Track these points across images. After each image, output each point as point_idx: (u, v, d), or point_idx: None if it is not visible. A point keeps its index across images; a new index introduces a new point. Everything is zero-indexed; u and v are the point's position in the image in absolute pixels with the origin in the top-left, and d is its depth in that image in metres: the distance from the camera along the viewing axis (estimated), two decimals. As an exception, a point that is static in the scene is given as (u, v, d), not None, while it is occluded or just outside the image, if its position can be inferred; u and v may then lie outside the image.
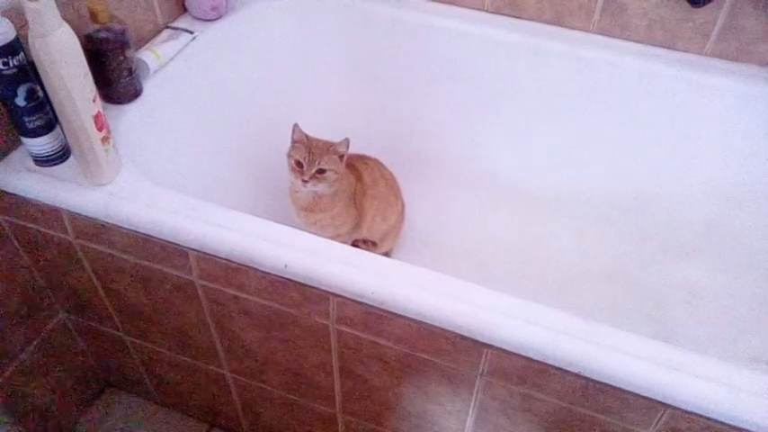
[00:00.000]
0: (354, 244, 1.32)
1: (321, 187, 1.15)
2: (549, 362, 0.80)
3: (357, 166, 1.29)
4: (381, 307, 0.86)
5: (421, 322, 0.85)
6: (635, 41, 1.32)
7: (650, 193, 1.41)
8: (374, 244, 1.35)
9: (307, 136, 1.17)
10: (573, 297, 1.32)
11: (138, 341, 1.21)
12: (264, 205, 1.30)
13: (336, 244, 0.91)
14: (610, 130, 1.39)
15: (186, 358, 1.18)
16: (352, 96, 1.52)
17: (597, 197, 1.46)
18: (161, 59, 1.17)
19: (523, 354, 0.81)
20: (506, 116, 1.46)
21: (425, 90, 1.48)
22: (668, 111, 1.32)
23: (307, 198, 1.20)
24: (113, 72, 1.06)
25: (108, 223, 0.96)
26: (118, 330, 1.20)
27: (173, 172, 1.12)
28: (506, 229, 1.47)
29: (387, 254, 1.39)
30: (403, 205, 1.41)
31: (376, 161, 1.36)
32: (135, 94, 1.12)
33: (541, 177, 1.49)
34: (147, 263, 0.99)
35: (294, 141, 1.17)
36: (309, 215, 1.22)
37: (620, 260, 1.40)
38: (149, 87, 1.14)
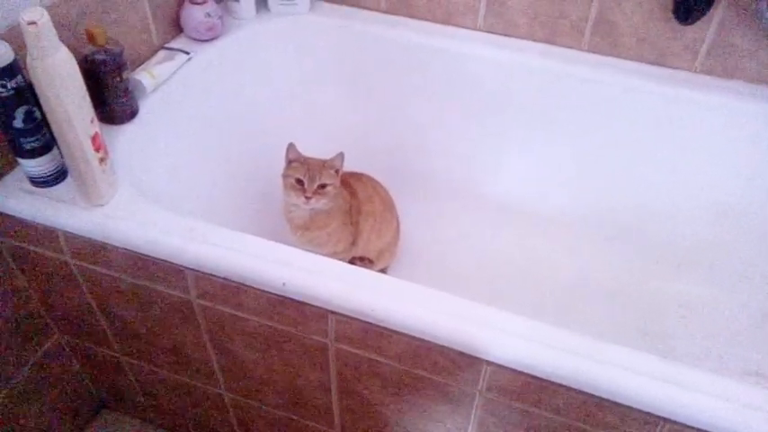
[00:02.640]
0: (351, 262, 1.32)
1: (323, 202, 1.16)
2: (549, 378, 0.80)
3: (351, 183, 1.30)
4: (380, 324, 0.87)
5: (420, 339, 0.85)
6: (625, 59, 1.34)
7: (646, 210, 1.42)
8: (371, 261, 1.35)
9: (302, 155, 1.18)
10: (571, 314, 1.32)
11: (134, 361, 1.20)
12: (260, 224, 1.30)
13: (334, 262, 0.92)
14: (604, 147, 1.41)
15: (183, 378, 1.17)
16: (347, 114, 1.53)
17: (594, 214, 1.47)
18: (157, 80, 1.18)
19: (523, 370, 0.81)
20: (503, 133, 1.47)
21: (422, 108, 1.49)
22: (660, 128, 1.33)
23: (303, 216, 1.20)
24: (110, 93, 1.07)
25: (105, 243, 0.95)
26: (114, 351, 1.19)
27: (169, 192, 1.12)
28: (504, 245, 1.47)
29: (383, 271, 1.39)
30: (398, 222, 1.41)
31: (370, 178, 1.36)
32: (132, 114, 1.12)
33: (538, 194, 1.51)
34: (144, 283, 0.99)
35: (290, 161, 1.18)
36: (305, 233, 1.22)
37: (618, 276, 1.41)
38: (146, 107, 1.15)
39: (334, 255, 1.25)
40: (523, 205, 1.51)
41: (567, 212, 1.48)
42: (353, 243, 1.30)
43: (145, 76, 1.16)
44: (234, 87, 1.36)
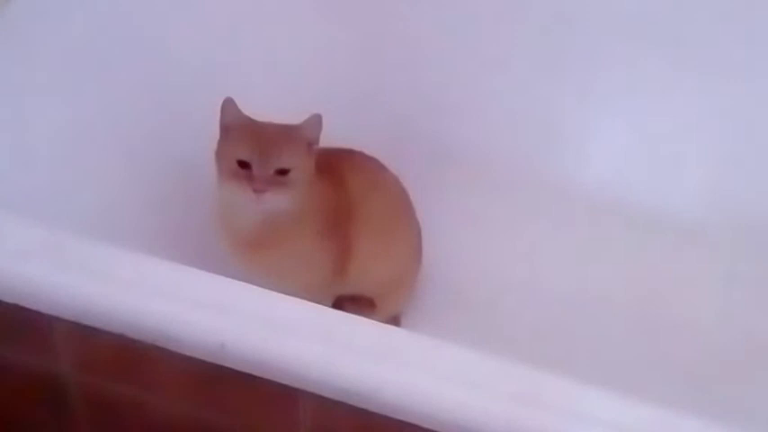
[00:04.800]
0: (337, 305, 1.33)
1: (284, 200, 1.17)
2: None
3: (337, 168, 1.31)
4: (392, 415, 0.87)
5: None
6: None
7: None
8: (370, 304, 1.36)
9: (249, 118, 1.19)
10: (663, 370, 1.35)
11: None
12: (176, 238, 1.32)
13: (311, 305, 0.93)
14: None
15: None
16: (329, 51, 1.54)
17: (736, 223, 1.49)
18: None
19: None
20: (585, 82, 1.50)
21: (454, 36, 1.50)
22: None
23: (254, 224, 1.21)
24: None
25: None
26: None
27: (22, 184, 1.12)
28: (582, 267, 1.50)
29: (394, 320, 1.40)
30: (418, 233, 1.41)
31: (369, 159, 1.37)
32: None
33: (643, 186, 1.54)
34: None
35: (228, 129, 1.19)
36: (257, 255, 1.24)
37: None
38: None
39: (306, 292, 1.18)
40: (616, 203, 1.53)
41: (696, 220, 1.51)
42: (340, 272, 1.31)
43: None
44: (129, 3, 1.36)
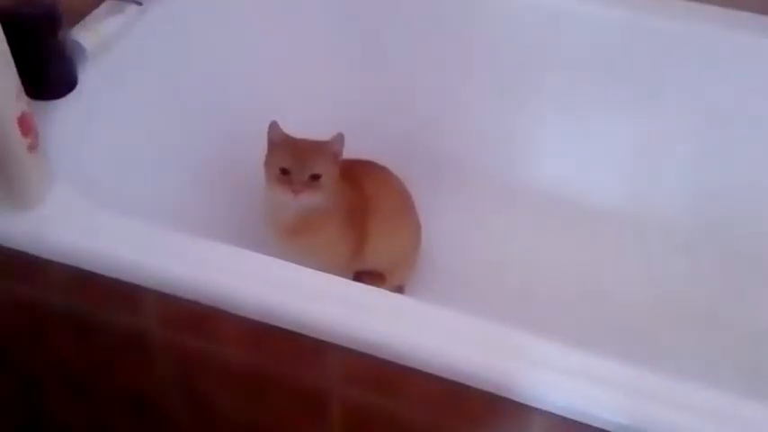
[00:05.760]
0: (356, 278, 1.33)
1: (316, 198, 1.18)
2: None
3: (356, 173, 1.31)
4: (398, 362, 0.87)
5: (450, 381, 0.86)
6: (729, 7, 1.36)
7: (745, 208, 1.43)
8: (382, 278, 1.36)
9: (288, 136, 1.20)
10: (645, 342, 1.32)
11: (76, 413, 1.20)
12: (236, 229, 1.31)
13: (336, 278, 0.93)
14: (693, 123, 1.42)
15: (139, 430, 1.18)
16: (347, 83, 1.54)
17: (674, 213, 1.48)
18: (102, 39, 1.18)
19: (589, 423, 0.81)
20: (557, 105, 1.49)
21: (447, 71, 1.50)
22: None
23: (290, 217, 1.22)
24: (41, 59, 1.07)
25: (35, 257, 0.96)
26: (49, 399, 1.20)
27: (119, 188, 1.13)
28: (555, 254, 1.49)
29: (399, 290, 1.40)
30: (418, 226, 1.42)
31: (380, 167, 1.38)
32: (69, 86, 1.12)
33: (601, 187, 1.52)
34: (87, 308, 0.99)
35: (273, 144, 1.20)
36: (295, 239, 1.24)
37: (705, 294, 1.42)
38: (88, 77, 1.15)
39: (331, 269, 1.20)
40: (583, 201, 1.52)
41: (641, 211, 1.50)
42: (358, 253, 1.31)
43: (86, 36, 1.16)
44: (201, 50, 1.37)
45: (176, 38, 1.32)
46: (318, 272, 0.93)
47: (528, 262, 1.48)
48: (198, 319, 0.94)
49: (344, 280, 0.93)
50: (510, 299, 1.40)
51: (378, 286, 1.26)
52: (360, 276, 1.34)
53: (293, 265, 0.94)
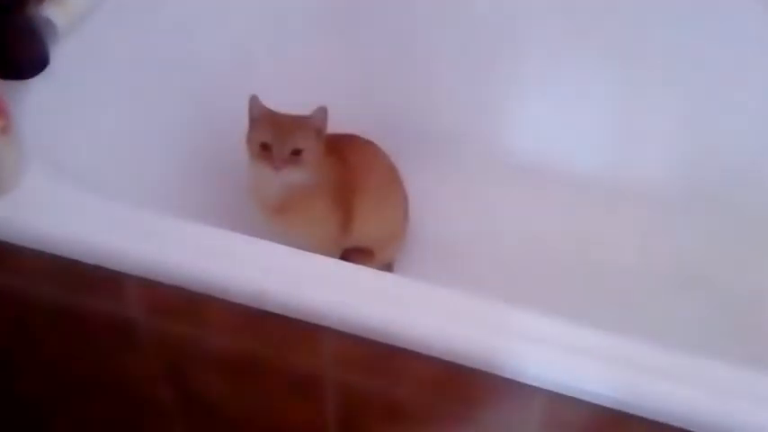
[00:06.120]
0: (344, 257, 1.33)
1: (298, 174, 1.17)
2: (627, 410, 0.80)
3: (341, 148, 1.30)
4: (393, 343, 0.86)
5: (447, 362, 0.85)
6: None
7: (739, 172, 1.42)
8: (370, 254, 1.35)
9: (269, 110, 1.19)
10: (640, 310, 1.33)
11: (62, 404, 1.19)
12: (222, 209, 1.30)
13: (328, 260, 0.92)
14: (676, 84, 1.41)
15: (129, 423, 1.17)
16: (330, 57, 1.52)
17: (667, 179, 1.47)
18: (73, 15, 1.15)
19: (590, 400, 0.81)
20: (538, 74, 1.47)
21: (427, 43, 1.49)
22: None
23: (275, 194, 1.21)
24: (10, 37, 1.05)
25: (12, 245, 0.94)
26: (35, 390, 1.19)
27: (97, 171, 1.11)
28: (545, 225, 1.48)
29: (388, 267, 1.40)
30: (406, 199, 1.41)
31: (366, 141, 1.36)
32: (41, 64, 1.09)
33: (589, 155, 1.51)
34: (70, 297, 0.98)
35: (254, 119, 1.19)
36: (280, 218, 1.23)
37: (701, 261, 1.41)
38: (60, 55, 1.12)
39: (320, 246, 1.23)
40: (573, 170, 1.51)
41: (633, 179, 1.49)
42: (346, 229, 1.30)
43: (56, 11, 1.13)
44: (181, 24, 1.34)
45: (153, 12, 1.29)
46: (309, 254, 0.92)
47: (516, 233, 1.47)
48: (185, 305, 0.92)
49: (336, 261, 0.92)
50: (500, 270, 1.40)
51: (366, 262, 1.31)
52: (348, 253, 1.34)
53: (283, 247, 0.92)
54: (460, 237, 1.47)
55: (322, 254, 1.21)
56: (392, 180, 1.37)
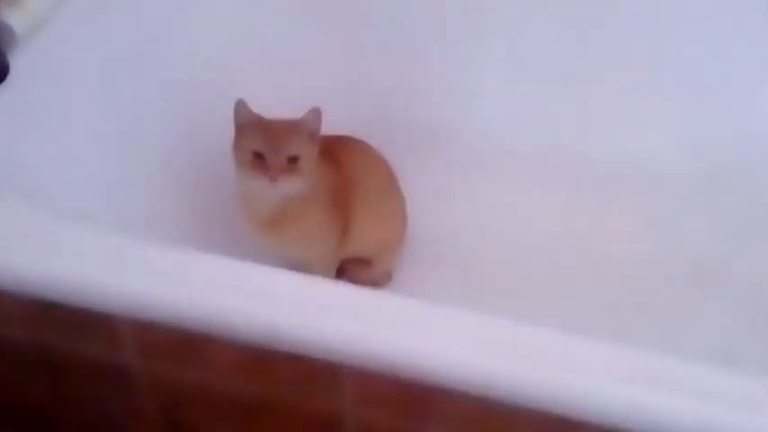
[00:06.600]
0: (342, 268, 1.30)
1: (296, 184, 1.12)
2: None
3: (336, 152, 1.25)
4: (422, 378, 0.80)
5: (488, 400, 0.79)
6: None
7: (748, 158, 1.41)
8: (368, 264, 1.31)
9: (258, 116, 1.13)
10: (652, 305, 1.30)
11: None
12: (208, 229, 1.27)
13: (344, 288, 0.90)
14: (685, 59, 1.40)
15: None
16: (316, 56, 1.49)
17: (671, 167, 1.44)
18: (33, 17, 1.10)
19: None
20: (541, 61, 1.45)
21: (420, 35, 1.46)
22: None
23: (268, 206, 1.15)
24: None
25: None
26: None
27: (69, 191, 1.07)
28: (546, 215, 1.44)
29: (387, 276, 1.35)
30: (404, 203, 1.36)
31: (361, 144, 1.31)
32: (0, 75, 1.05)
33: (588, 145, 1.47)
34: (50, 341, 0.92)
35: (241, 126, 1.13)
36: (273, 232, 1.18)
37: (711, 249, 1.38)
38: (20, 62, 1.07)
39: (316, 260, 1.23)
40: (573, 159, 1.48)
41: (635, 167, 1.45)
42: (343, 240, 1.25)
43: (13, 14, 1.08)
44: (153, 25, 1.29)
45: (123, 10, 1.25)
46: (321, 280, 0.90)
47: (519, 226, 1.44)
48: (184, 346, 0.87)
49: (354, 288, 0.89)
50: (503, 269, 1.36)
51: (364, 273, 1.29)
52: (346, 264, 1.30)
53: (290, 274, 0.90)
54: (460, 233, 1.42)
55: (318, 267, 1.22)
56: (390, 184, 1.33)
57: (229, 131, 1.13)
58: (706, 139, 1.43)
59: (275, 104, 1.15)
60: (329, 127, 1.20)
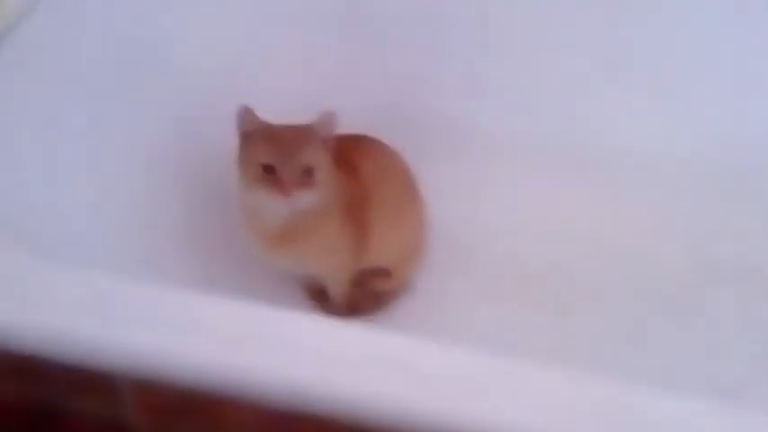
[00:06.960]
0: (359, 280, 1.23)
1: (311, 197, 1.05)
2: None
3: (350, 156, 1.18)
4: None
5: None
6: None
7: None
8: (388, 275, 1.25)
9: (265, 123, 1.07)
10: (683, 305, 1.26)
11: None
12: (211, 253, 1.22)
13: (385, 335, 0.79)
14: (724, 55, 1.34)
15: None
16: (325, 53, 1.44)
17: (698, 157, 1.40)
18: (6, 16, 1.06)
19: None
20: (559, 52, 1.40)
21: (423, 24, 1.42)
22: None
23: (278, 222, 1.09)
24: None
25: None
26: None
27: (53, 220, 0.99)
28: (569, 212, 1.39)
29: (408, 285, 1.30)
30: (424, 207, 1.29)
31: (377, 144, 1.25)
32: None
33: (612, 133, 1.42)
34: (42, 397, 0.85)
35: (247, 135, 1.07)
36: (285, 248, 1.12)
37: (741, 246, 1.35)
38: None
39: (332, 275, 1.20)
40: (586, 149, 1.43)
41: (658, 156, 1.41)
42: (361, 251, 1.20)
43: None
44: (138, 20, 1.23)
45: (108, 7, 1.18)
46: (354, 328, 0.82)
47: (542, 224, 1.39)
48: (195, 406, 0.79)
49: (398, 336, 0.78)
50: (530, 271, 1.32)
51: (383, 284, 1.25)
52: (363, 276, 1.23)
53: (317, 319, 0.82)
54: (481, 233, 1.38)
55: (332, 282, 1.19)
56: (409, 186, 1.26)
57: (227, 137, 1.07)
58: (736, 136, 1.39)
59: (279, 106, 1.10)
60: (340, 125, 1.14)
